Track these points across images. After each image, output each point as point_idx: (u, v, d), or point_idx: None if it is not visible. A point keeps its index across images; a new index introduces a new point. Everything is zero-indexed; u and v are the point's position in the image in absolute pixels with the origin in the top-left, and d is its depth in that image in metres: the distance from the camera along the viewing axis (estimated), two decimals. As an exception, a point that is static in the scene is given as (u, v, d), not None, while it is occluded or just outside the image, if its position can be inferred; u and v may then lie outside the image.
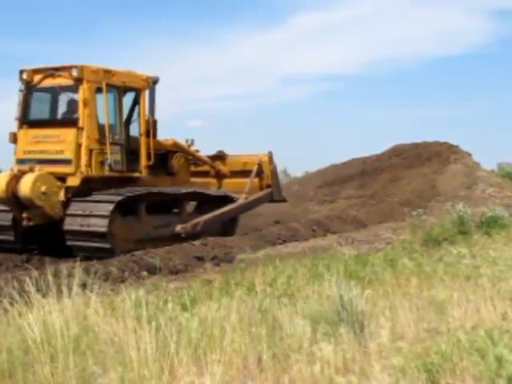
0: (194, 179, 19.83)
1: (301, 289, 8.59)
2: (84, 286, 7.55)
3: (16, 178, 15.76)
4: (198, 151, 20.12)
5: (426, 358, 5.59)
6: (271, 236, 18.58)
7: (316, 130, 74.33)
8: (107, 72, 16.76)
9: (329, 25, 74.67)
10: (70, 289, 7.00)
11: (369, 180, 29.87)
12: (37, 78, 16.78)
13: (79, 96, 16.21)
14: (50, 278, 7.17)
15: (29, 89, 16.81)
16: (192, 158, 19.91)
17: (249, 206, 20.10)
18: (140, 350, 5.59)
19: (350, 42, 79.01)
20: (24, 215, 16.16)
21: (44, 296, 6.86)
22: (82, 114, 16.10)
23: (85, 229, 15.34)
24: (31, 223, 16.20)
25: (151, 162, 17.48)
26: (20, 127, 16.98)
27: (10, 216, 16.54)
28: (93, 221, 15.39)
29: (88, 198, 15.75)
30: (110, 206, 15.44)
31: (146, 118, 17.50)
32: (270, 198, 20.82)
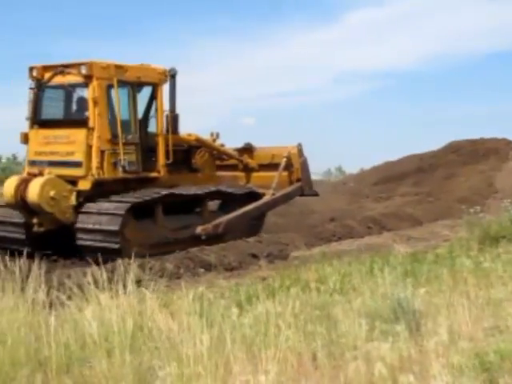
0: (221, 173, 18.99)
1: (356, 286, 8.53)
2: (139, 282, 7.60)
3: (25, 183, 15.10)
4: (223, 145, 19.14)
5: (484, 357, 5.50)
6: (326, 233, 18.53)
7: (370, 126, 73.81)
8: (119, 67, 15.76)
9: (381, 21, 73.90)
10: (125, 285, 7.05)
11: (425, 177, 29.55)
12: (47, 75, 15.93)
13: (89, 94, 15.32)
14: (106, 274, 7.22)
15: (39, 87, 16.03)
16: (217, 153, 18.94)
17: (276, 203, 18.93)
18: (195, 346, 5.59)
19: (402, 39, 78.15)
20: (34, 221, 15.30)
21: (100, 292, 6.92)
22: (92, 113, 15.19)
23: (96, 227, 14.49)
24: (42, 229, 15.30)
25: (170, 160, 16.47)
26: (31, 127, 16.19)
27: (21, 219, 15.70)
28: (105, 219, 14.57)
29: (103, 199, 14.99)
30: (125, 206, 14.66)
31: (165, 113, 16.65)
32: (300, 193, 19.65)
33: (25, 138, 16.24)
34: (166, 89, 16.80)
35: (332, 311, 7.05)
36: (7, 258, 7.84)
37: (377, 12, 77.53)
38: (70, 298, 7.10)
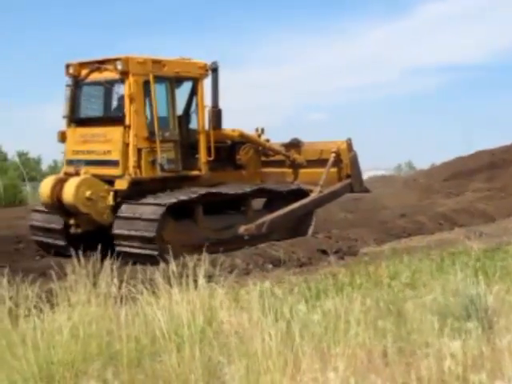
0: (268, 169, 18.37)
1: (426, 283, 8.43)
2: (210, 277, 7.64)
3: (61, 183, 14.73)
4: (268, 140, 18.39)
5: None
6: (396, 229, 18.37)
7: (442, 120, 72.90)
8: (156, 62, 15.20)
9: (454, 14, 73.13)
10: (196, 280, 7.10)
11: (498, 172, 29.06)
12: (84, 72, 15.52)
13: (125, 91, 14.78)
14: (177, 269, 7.28)
15: (76, 84, 15.59)
16: (262, 149, 18.20)
17: (324, 200, 18.10)
18: (264, 341, 5.60)
19: (476, 31, 77.19)
20: (71, 222, 15.02)
21: (171, 287, 6.98)
22: (128, 110, 14.64)
23: (132, 233, 14.01)
24: (79, 230, 14.98)
25: (212, 158, 15.87)
26: (68, 125, 15.78)
27: (61, 220, 15.40)
28: (141, 225, 14.05)
29: (139, 201, 14.47)
30: (161, 210, 14.11)
31: (207, 108, 15.96)
32: (350, 190, 18.66)
33: (62, 137, 15.87)
34: (208, 84, 16.32)
35: (402, 307, 6.97)
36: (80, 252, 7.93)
37: (446, 6, 76.66)
38: (141, 292, 7.18)
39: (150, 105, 14.86)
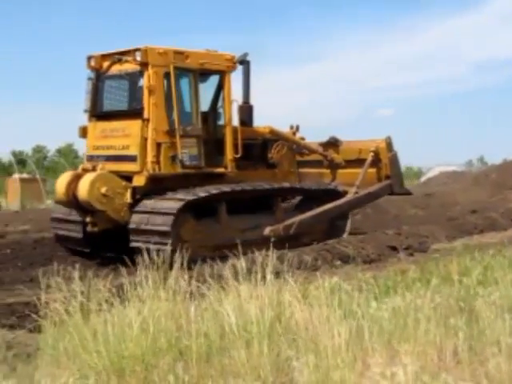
0: (305, 170, 17.60)
1: (499, 280, 8.27)
2: (278, 273, 7.64)
3: (77, 179, 14.02)
4: (303, 138, 17.64)
5: None
6: (467, 225, 18.13)
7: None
8: (179, 54, 14.38)
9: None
10: (264, 276, 7.10)
11: None
12: (105, 64, 14.76)
13: (144, 82, 14.03)
14: (246, 265, 7.30)
15: (98, 77, 14.89)
16: (297, 147, 17.40)
17: (360, 202, 17.31)
18: (333, 338, 5.58)
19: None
20: (88, 219, 14.27)
21: (240, 283, 7.00)
22: (147, 103, 13.91)
23: (148, 227, 13.32)
24: (96, 229, 14.27)
25: (239, 155, 15.03)
26: (90, 120, 15.11)
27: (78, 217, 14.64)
28: (156, 219, 13.34)
29: (158, 197, 13.77)
30: (179, 204, 13.39)
31: (235, 103, 15.20)
32: (390, 191, 17.64)
33: (83, 132, 15.23)
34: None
35: (474, 305, 6.86)
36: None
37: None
38: (210, 288, 7.22)
39: (171, 97, 14.05)
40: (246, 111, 15.90)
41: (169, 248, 12.52)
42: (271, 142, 16.63)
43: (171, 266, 7.50)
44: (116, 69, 14.57)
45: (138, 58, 13.90)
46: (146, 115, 13.81)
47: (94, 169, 14.26)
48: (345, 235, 16.18)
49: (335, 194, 16.63)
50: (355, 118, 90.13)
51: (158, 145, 13.86)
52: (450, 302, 6.88)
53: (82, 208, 14.09)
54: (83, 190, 13.66)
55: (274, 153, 16.53)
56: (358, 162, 17.31)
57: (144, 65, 13.92)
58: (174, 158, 13.98)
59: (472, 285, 8.11)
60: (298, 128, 17.52)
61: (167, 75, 14.05)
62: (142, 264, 7.47)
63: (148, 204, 13.62)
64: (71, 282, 7.12)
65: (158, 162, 13.85)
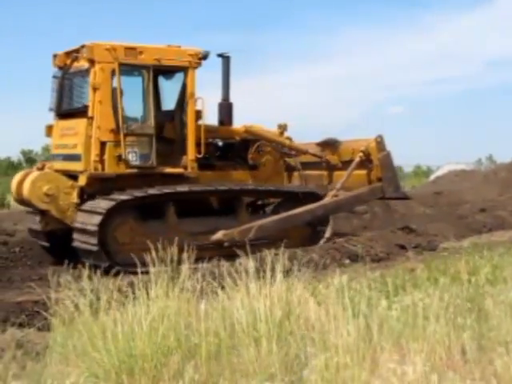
0: (307, 172, 16.74)
1: (508, 279, 8.26)
2: (287, 272, 7.65)
3: (26, 178, 13.84)
4: (290, 139, 16.67)
5: None
6: (476, 224, 18.13)
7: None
8: (130, 49, 13.74)
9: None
10: (273, 275, 7.11)
11: None
12: (67, 62, 14.27)
13: (90, 80, 13.53)
14: (255, 264, 7.31)
15: (62, 75, 14.36)
16: (282, 148, 16.43)
17: (340, 206, 15.98)
18: (342, 336, 5.59)
19: None
20: (38, 218, 14.21)
21: (249, 281, 7.00)
22: (92, 100, 13.42)
23: (79, 226, 12.99)
24: (48, 228, 14.08)
25: (201, 155, 14.28)
26: (54, 119, 14.81)
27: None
28: (88, 218, 12.93)
29: (101, 196, 13.32)
30: (108, 204, 12.94)
31: (197, 100, 14.38)
32: (381, 195, 16.49)
33: (49, 131, 14.95)
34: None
35: (482, 304, 6.86)
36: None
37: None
38: (219, 286, 7.23)
39: (116, 95, 13.48)
40: (225, 109, 15.61)
41: (94, 248, 12.52)
42: (252, 142, 15.90)
43: (180, 264, 7.52)
44: (74, 66, 14.16)
45: (85, 55, 13.54)
46: (90, 113, 13.44)
47: (42, 168, 14.22)
48: (321, 242, 15.06)
49: (313, 197, 15.62)
50: (365, 116, 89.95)
51: (103, 144, 13.44)
52: (458, 301, 6.88)
53: (35, 208, 13.93)
54: (26, 189, 13.52)
55: (253, 153, 15.79)
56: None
57: (91, 61, 13.52)
58: (120, 158, 13.50)
59: (481, 284, 8.11)
60: (285, 127, 16.71)
61: (122, 72, 13.59)
62: (152, 262, 7.48)
63: (88, 204, 13.27)
64: (81, 280, 7.15)
65: (101, 162, 13.42)
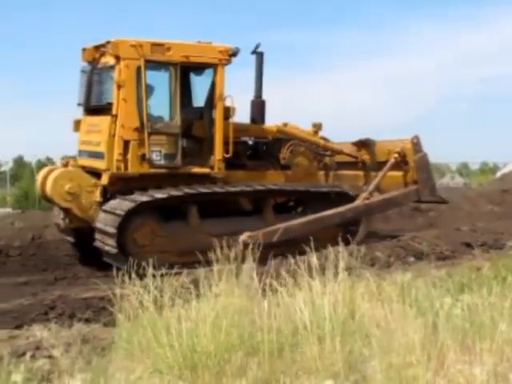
0: (343, 172, 16.06)
1: None
2: (351, 270, 7.59)
3: (49, 174, 13.64)
4: (324, 138, 16.12)
5: None
6: (546, 222, 17.74)
7: None
8: (157, 46, 13.34)
9: None
10: (336, 273, 7.07)
11: None
12: (96, 56, 13.87)
13: (115, 77, 13.20)
14: (318, 261, 7.28)
15: (90, 70, 14.02)
16: (315, 147, 15.83)
17: (371, 209, 15.32)
18: (407, 335, 5.52)
19: None
20: (62, 216, 14.03)
21: (312, 279, 6.98)
22: (116, 98, 13.12)
23: (100, 226, 12.81)
24: (72, 226, 13.92)
25: (229, 155, 13.81)
26: (83, 114, 14.52)
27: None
28: (108, 219, 12.69)
29: (122, 196, 12.99)
30: (127, 206, 12.61)
31: (226, 98, 13.94)
32: (416, 198, 16.07)
33: (76, 126, 14.62)
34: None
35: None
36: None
37: None
38: (283, 284, 7.21)
39: (141, 93, 13.10)
40: (257, 107, 15.18)
41: (113, 251, 12.29)
42: (285, 141, 15.41)
43: (243, 262, 7.53)
44: (102, 61, 13.82)
45: (110, 51, 13.22)
46: (114, 111, 13.14)
47: (66, 164, 14.06)
48: (352, 244, 13.22)
49: (347, 198, 15.07)
50: (430, 113, 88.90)
51: (126, 142, 13.10)
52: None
53: (56, 204, 13.84)
54: (48, 186, 13.36)
55: (286, 153, 15.29)
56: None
57: (117, 58, 13.16)
58: (143, 157, 13.17)
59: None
60: (320, 127, 16.18)
61: (140, 69, 13.15)
62: (216, 259, 7.50)
63: (110, 204, 12.98)
64: (145, 277, 7.21)
65: (124, 161, 13.09)
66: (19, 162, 39.11)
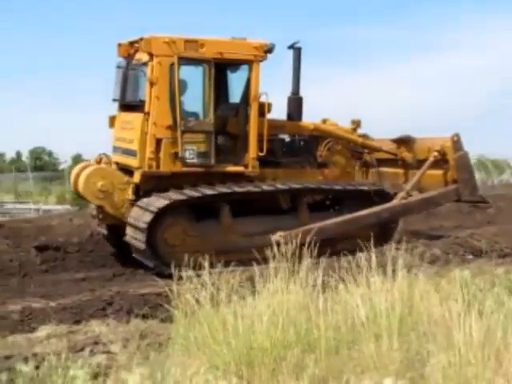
0: (384, 169, 15.73)
1: None
2: (409, 267, 7.52)
3: (82, 171, 13.60)
4: (365, 136, 15.79)
5: None
6: None
7: None
8: (190, 42, 13.10)
9: None
10: (395, 270, 7.01)
11: None
12: (131, 52, 13.63)
13: (147, 74, 13.09)
14: (377, 258, 7.23)
15: (125, 65, 13.78)
16: (354, 145, 15.59)
17: (409, 209, 14.96)
18: (466, 334, 5.44)
19: None
20: (94, 213, 14.07)
21: (371, 276, 6.93)
22: (148, 95, 13.02)
23: (131, 222, 12.74)
24: (105, 222, 13.98)
25: (263, 153, 13.62)
26: (117, 110, 14.43)
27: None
28: (140, 215, 12.62)
29: (157, 194, 12.88)
30: (162, 203, 12.50)
31: (261, 95, 13.72)
32: (456, 198, 15.38)
33: (112, 122, 14.53)
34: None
35: None
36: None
37: None
38: (340, 281, 7.17)
39: (174, 90, 12.92)
40: (294, 103, 14.85)
41: (142, 246, 12.27)
42: (322, 138, 15.16)
43: (300, 259, 7.49)
44: (137, 57, 13.62)
45: (143, 48, 13.06)
46: (147, 108, 13.02)
47: (99, 161, 13.95)
48: (389, 244, 12.04)
49: (386, 197, 14.77)
50: (487, 109, 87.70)
51: (158, 140, 13.00)
52: None
53: (88, 201, 13.95)
54: (81, 183, 13.33)
55: (323, 151, 15.05)
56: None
57: (150, 55, 13.03)
58: (176, 155, 13.01)
59: None
60: (359, 124, 15.85)
61: (174, 66, 12.96)
62: (272, 256, 7.49)
63: (143, 200, 12.88)
64: (201, 273, 7.23)
65: (157, 159, 13.00)
66: (77, 160, 39.63)
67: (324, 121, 15.59)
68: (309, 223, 13.57)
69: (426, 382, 5.39)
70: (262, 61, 13.63)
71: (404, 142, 15.83)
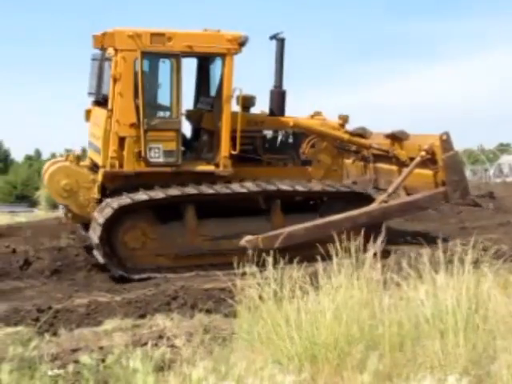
0: (380, 165, 14.95)
1: None
2: (477, 263, 7.38)
3: (49, 169, 13.13)
4: (351, 133, 14.43)
5: None
6: None
7: None
8: (157, 36, 12.39)
9: None
10: (461, 266, 6.89)
11: None
12: (105, 44, 12.82)
13: (111, 69, 12.41)
14: (442, 254, 7.11)
15: (101, 58, 13.02)
16: (340, 142, 14.46)
17: (389, 214, 13.64)
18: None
19: None
20: (64, 211, 13.69)
21: (436, 272, 6.82)
22: (112, 92, 12.33)
23: (94, 221, 12.17)
24: (74, 221, 13.49)
25: (236, 151, 12.83)
26: (92, 104, 13.77)
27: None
28: (102, 210, 12.10)
29: (116, 195, 12.27)
30: (124, 202, 11.98)
31: (237, 91, 12.95)
32: (443, 201, 14.42)
33: (88, 116, 13.93)
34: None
35: None
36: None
37: None
38: (405, 277, 7.08)
39: (139, 87, 12.29)
40: (276, 97, 14.05)
41: (96, 241, 11.80)
42: (305, 135, 14.28)
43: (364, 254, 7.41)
44: (108, 51, 12.81)
45: (107, 42, 12.48)
46: (110, 105, 12.40)
47: (66, 159, 13.25)
48: (369, 253, 11.77)
49: (362, 199, 13.61)
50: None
51: (122, 139, 12.35)
52: None
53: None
54: (46, 182, 13.06)
55: (306, 147, 14.19)
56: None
57: (114, 49, 12.36)
58: (139, 155, 12.36)
59: None
60: (346, 119, 14.57)
61: (138, 61, 12.36)
62: (335, 252, 7.43)
63: (107, 199, 12.32)
64: (265, 269, 7.22)
65: (120, 158, 12.36)
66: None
67: (313, 116, 14.69)
68: (282, 226, 12.69)
69: (493, 380, 5.29)
70: (236, 53, 12.83)
71: (397, 138, 14.72)
